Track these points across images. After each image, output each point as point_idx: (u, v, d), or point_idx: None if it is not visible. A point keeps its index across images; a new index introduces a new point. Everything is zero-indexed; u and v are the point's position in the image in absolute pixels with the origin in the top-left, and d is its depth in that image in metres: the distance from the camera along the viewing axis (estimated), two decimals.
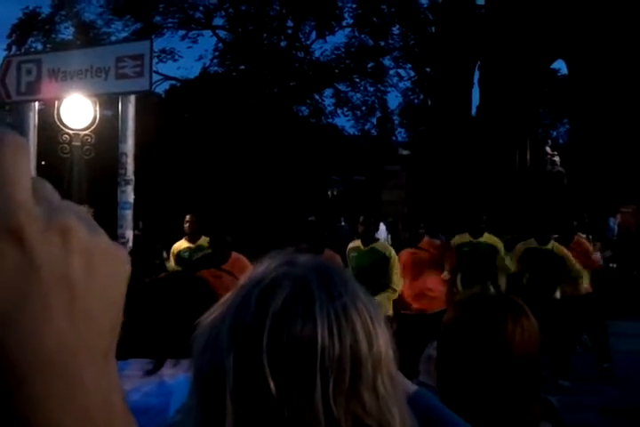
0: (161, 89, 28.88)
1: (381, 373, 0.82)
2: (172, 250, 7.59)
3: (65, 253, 0.37)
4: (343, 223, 20.75)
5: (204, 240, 7.53)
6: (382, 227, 17.44)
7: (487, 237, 7.83)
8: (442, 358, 1.69)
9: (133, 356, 1.72)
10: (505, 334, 1.61)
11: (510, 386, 1.61)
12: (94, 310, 0.39)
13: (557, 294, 7.99)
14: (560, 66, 27.68)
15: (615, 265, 13.16)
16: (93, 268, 0.39)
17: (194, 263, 6.42)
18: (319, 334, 0.78)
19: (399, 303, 7.27)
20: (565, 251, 7.94)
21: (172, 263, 7.62)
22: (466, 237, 7.82)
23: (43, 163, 15.10)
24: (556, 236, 8.79)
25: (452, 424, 1.25)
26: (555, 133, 35.51)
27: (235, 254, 6.36)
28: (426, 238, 7.43)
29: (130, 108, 6.56)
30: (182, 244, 7.62)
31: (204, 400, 0.81)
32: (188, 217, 7.45)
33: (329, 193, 26.00)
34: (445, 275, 7.40)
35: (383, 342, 0.83)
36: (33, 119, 7.08)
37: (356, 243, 7.26)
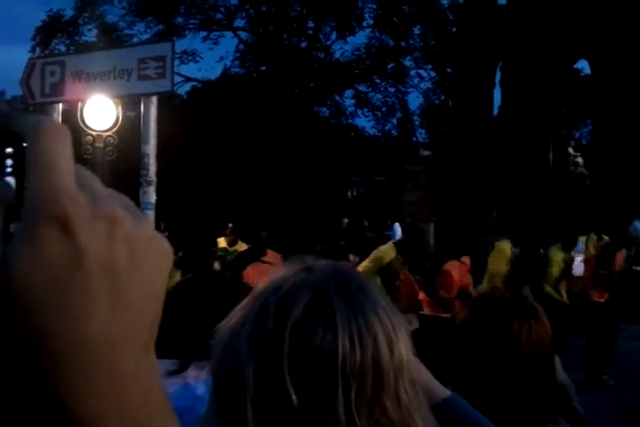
0: (182, 90, 29.08)
1: (403, 379, 0.81)
2: None
3: (110, 242, 0.37)
4: (368, 233, 20.74)
5: (240, 245, 8.08)
6: (398, 228, 17.40)
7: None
8: (456, 357, 1.74)
9: (158, 357, 1.73)
10: (511, 335, 1.66)
11: (519, 384, 1.65)
12: (137, 300, 0.39)
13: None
14: (583, 66, 27.45)
15: (638, 268, 13.02)
16: (137, 258, 0.38)
17: (238, 259, 6.59)
18: (340, 343, 0.78)
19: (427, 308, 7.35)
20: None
21: None
22: (560, 252, 7.94)
23: None
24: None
25: None
26: (578, 134, 35.24)
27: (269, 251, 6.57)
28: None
29: (152, 109, 6.60)
30: (220, 242, 8.05)
31: (224, 409, 0.80)
32: (230, 225, 7.91)
33: (349, 194, 26.00)
34: None
35: (404, 348, 0.82)
36: (57, 120, 7.14)
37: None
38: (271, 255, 7.03)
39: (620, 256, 8.47)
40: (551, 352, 1.74)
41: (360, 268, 6.80)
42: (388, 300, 0.86)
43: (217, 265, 7.37)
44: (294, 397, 0.76)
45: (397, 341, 0.82)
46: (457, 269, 7.39)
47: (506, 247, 7.98)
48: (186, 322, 1.78)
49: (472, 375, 1.68)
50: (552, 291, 8.28)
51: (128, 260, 0.38)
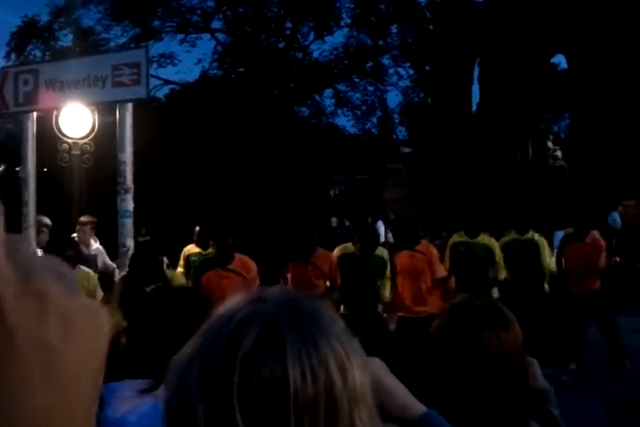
0: (161, 93, 28.96)
1: (358, 407, 0.80)
2: (183, 252, 7.89)
3: (42, 317, 0.37)
4: (347, 223, 20.74)
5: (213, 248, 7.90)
6: (381, 225, 17.44)
7: (483, 238, 7.85)
8: (428, 365, 1.76)
9: (130, 376, 1.73)
10: (481, 344, 1.69)
11: (489, 390, 1.68)
12: (73, 372, 0.38)
13: (546, 287, 8.01)
14: (560, 60, 27.63)
15: (618, 259, 13.14)
16: (72, 330, 0.38)
17: (199, 266, 6.51)
18: (291, 375, 0.76)
19: (397, 306, 7.33)
20: (544, 242, 8.01)
21: (180, 265, 7.87)
22: (462, 237, 7.85)
23: (45, 170, 15.16)
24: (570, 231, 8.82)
25: None
26: (556, 128, 35.46)
27: (238, 255, 6.47)
28: (423, 241, 7.50)
29: (127, 116, 6.57)
30: (193, 248, 7.92)
31: None
32: (197, 229, 7.75)
33: (331, 192, 26.01)
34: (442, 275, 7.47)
35: (359, 375, 0.81)
36: (31, 129, 7.11)
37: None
38: (320, 255, 7.02)
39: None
40: (521, 359, 1.76)
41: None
42: (341, 326, 0.85)
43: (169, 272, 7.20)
44: None
45: (351, 368, 0.80)
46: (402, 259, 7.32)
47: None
48: (156, 340, 1.78)
49: (444, 385, 1.70)
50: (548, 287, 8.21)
51: (62, 333, 0.38)
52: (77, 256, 5.38)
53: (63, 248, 5.17)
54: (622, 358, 8.30)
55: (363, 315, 6.89)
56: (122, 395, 1.71)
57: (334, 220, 21.08)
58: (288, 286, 6.64)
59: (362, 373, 0.82)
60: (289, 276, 6.99)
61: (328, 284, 7.06)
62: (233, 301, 0.85)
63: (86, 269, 5.47)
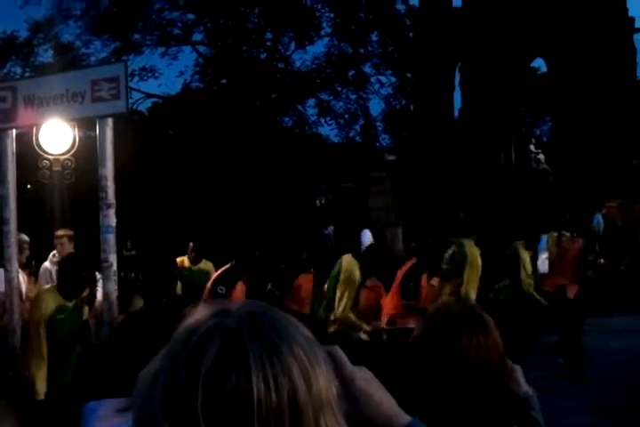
0: (144, 107, 28.93)
1: (323, 413, 0.81)
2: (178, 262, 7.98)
3: None
4: (331, 232, 20.70)
5: (204, 264, 8.05)
6: (367, 234, 17.42)
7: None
8: (410, 370, 1.76)
9: (108, 395, 1.72)
10: (461, 348, 1.71)
11: (471, 396, 1.68)
12: None
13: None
14: (540, 64, 27.85)
15: (603, 261, 13.23)
16: None
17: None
18: (254, 386, 0.77)
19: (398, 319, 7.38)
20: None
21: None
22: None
23: (28, 186, 15.09)
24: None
25: None
26: (538, 132, 35.72)
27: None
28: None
29: (108, 132, 6.52)
30: (184, 261, 8.01)
31: None
32: (190, 245, 7.88)
33: (317, 202, 26.02)
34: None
35: (323, 381, 0.82)
36: (10, 146, 7.03)
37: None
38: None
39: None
40: (502, 365, 1.77)
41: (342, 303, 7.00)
42: (306, 334, 0.86)
43: (179, 287, 7.36)
44: None
45: (316, 376, 0.81)
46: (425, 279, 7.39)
47: (475, 253, 7.93)
48: (134, 359, 1.77)
49: (426, 392, 1.71)
50: (533, 291, 8.21)
51: None
52: (92, 277, 5.45)
53: (78, 269, 5.21)
54: (581, 369, 8.35)
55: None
56: (100, 415, 1.70)
57: (331, 228, 20.94)
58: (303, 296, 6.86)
59: (326, 380, 0.83)
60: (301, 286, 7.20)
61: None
62: (197, 313, 0.86)
63: None
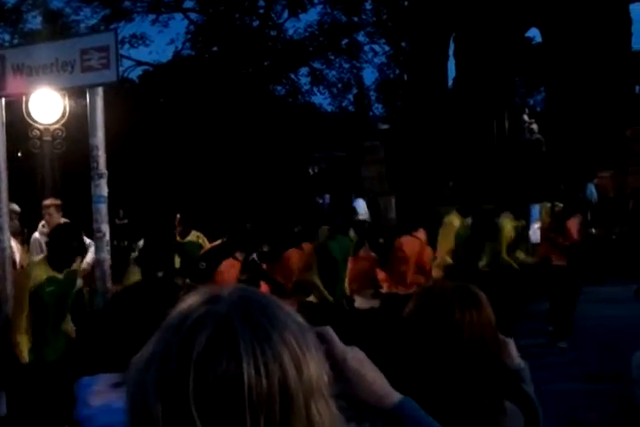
0: (134, 75, 28.63)
1: (314, 400, 0.82)
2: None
3: None
4: (327, 200, 20.66)
5: (193, 235, 7.86)
6: (362, 203, 17.42)
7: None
8: (402, 346, 1.77)
9: (104, 370, 1.72)
10: (454, 324, 1.72)
11: (464, 371, 1.69)
12: None
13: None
14: (534, 34, 27.63)
15: (594, 230, 13.29)
16: None
17: (211, 255, 6.56)
18: (245, 372, 0.78)
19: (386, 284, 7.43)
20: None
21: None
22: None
23: (19, 155, 14.98)
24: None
25: None
26: (532, 102, 35.57)
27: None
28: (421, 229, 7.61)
29: (98, 101, 6.45)
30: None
31: None
32: (177, 217, 7.70)
33: (310, 170, 25.95)
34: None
35: (314, 367, 0.83)
36: (1, 115, 6.98)
37: None
38: (308, 247, 7.13)
39: (573, 222, 8.61)
40: (495, 340, 1.78)
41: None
42: (298, 320, 0.86)
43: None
44: None
45: (306, 362, 0.82)
46: (410, 244, 7.44)
47: (454, 220, 8.01)
48: (129, 333, 1.76)
49: (419, 368, 1.72)
50: (508, 259, 8.33)
51: None
52: (82, 247, 5.41)
53: (68, 240, 5.15)
54: (565, 337, 8.50)
55: (327, 305, 6.87)
56: (95, 390, 1.70)
57: (327, 197, 20.88)
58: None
59: (317, 365, 0.83)
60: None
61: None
62: (189, 299, 0.86)
63: None
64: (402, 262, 7.38)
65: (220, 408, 0.78)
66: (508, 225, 8.41)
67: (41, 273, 5.12)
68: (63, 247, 5.11)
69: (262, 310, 0.84)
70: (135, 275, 5.63)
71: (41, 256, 5.43)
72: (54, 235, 5.27)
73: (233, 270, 6.34)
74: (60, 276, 5.16)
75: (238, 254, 6.47)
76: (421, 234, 7.52)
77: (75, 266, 5.42)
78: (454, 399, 1.68)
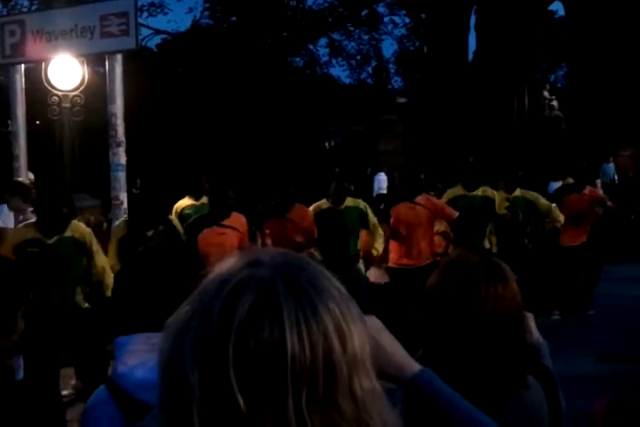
0: (152, 43, 28.48)
1: (358, 374, 0.78)
2: (174, 208, 7.66)
3: None
4: (345, 183, 20.47)
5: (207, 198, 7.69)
6: (383, 176, 17.31)
7: (482, 190, 7.76)
8: (425, 321, 1.75)
9: (148, 330, 1.72)
10: (479, 299, 1.67)
11: (487, 346, 1.67)
12: None
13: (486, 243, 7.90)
14: (557, 8, 27.17)
15: (610, 203, 13.17)
16: None
17: (193, 225, 6.38)
18: (288, 341, 0.74)
19: (391, 257, 7.35)
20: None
21: (175, 221, 7.71)
22: (460, 190, 7.77)
23: (37, 122, 15.00)
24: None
25: (454, 405, 1.24)
26: (553, 77, 35.10)
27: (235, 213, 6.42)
28: (424, 194, 7.40)
29: (117, 68, 6.45)
30: (186, 201, 7.71)
31: (170, 413, 0.78)
32: (203, 178, 7.57)
33: (326, 144, 25.84)
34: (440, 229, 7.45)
35: (358, 340, 0.79)
36: (20, 81, 6.98)
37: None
38: (298, 211, 6.97)
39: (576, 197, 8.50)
40: (519, 314, 1.75)
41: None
42: (341, 290, 0.82)
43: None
44: (242, 402, 0.73)
45: (351, 334, 0.78)
46: (403, 211, 7.21)
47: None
48: (158, 292, 1.76)
49: (441, 343, 1.70)
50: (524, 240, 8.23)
51: None
52: (73, 212, 5.31)
53: (58, 206, 5.03)
54: (587, 309, 8.58)
55: (338, 271, 6.80)
56: (131, 348, 1.71)
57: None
58: (267, 243, 6.68)
59: (361, 338, 0.80)
60: (267, 232, 6.92)
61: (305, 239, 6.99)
62: (228, 262, 0.82)
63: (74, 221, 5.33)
64: (396, 232, 7.24)
65: (260, 378, 0.74)
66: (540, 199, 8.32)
67: (24, 233, 4.96)
68: (52, 213, 4.88)
69: (307, 277, 0.80)
70: (122, 230, 5.46)
71: (31, 220, 5.26)
72: (42, 201, 5.04)
73: (215, 237, 6.14)
74: (50, 241, 4.96)
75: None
76: (423, 199, 7.28)
77: (86, 235, 5.23)
78: (475, 372, 1.66)
